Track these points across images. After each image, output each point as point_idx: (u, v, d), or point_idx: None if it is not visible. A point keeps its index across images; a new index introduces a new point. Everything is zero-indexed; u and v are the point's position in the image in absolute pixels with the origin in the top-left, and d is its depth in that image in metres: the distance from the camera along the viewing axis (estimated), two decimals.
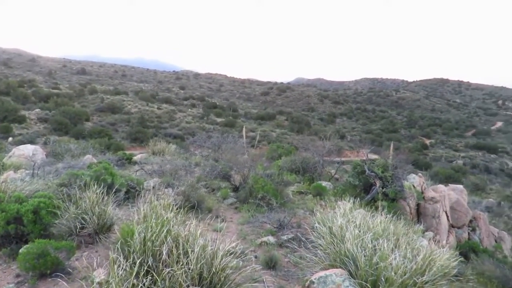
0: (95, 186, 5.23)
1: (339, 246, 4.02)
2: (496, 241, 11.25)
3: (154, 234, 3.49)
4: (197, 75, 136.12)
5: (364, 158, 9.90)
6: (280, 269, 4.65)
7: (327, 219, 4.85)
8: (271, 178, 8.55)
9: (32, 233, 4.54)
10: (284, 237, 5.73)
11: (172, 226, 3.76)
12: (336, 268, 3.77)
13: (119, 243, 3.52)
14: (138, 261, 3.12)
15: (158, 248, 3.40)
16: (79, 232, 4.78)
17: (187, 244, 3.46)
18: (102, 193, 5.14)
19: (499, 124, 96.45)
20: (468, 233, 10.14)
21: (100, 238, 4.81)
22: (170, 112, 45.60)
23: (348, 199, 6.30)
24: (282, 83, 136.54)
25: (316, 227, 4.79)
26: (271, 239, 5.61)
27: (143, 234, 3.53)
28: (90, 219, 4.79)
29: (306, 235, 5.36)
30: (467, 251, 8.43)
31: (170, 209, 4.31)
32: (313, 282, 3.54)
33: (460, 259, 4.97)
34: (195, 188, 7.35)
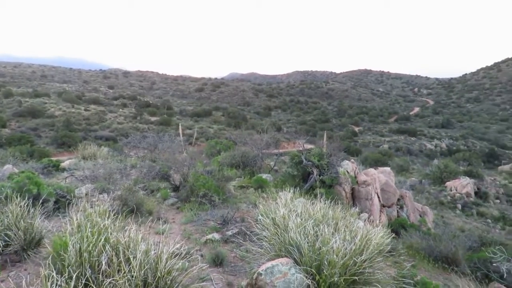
0: (18, 198, 4.75)
1: (283, 235, 4.11)
2: (420, 215, 12.38)
3: (91, 244, 3.27)
4: (126, 73, 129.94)
5: (301, 149, 10.26)
6: (227, 265, 4.65)
7: (270, 211, 4.93)
8: (211, 175, 8.49)
9: None
10: (229, 233, 5.73)
11: (110, 234, 3.55)
12: (282, 257, 3.85)
13: (50, 257, 3.24)
14: (74, 275, 2.90)
15: (96, 259, 3.19)
16: (3, 250, 4.31)
17: (128, 250, 3.29)
18: (27, 205, 4.68)
19: (416, 109, 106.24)
20: (397, 211, 11.02)
21: (28, 255, 4.39)
22: (100, 113, 43.01)
23: (288, 189, 6.48)
24: (216, 78, 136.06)
25: (260, 219, 4.85)
26: (216, 236, 5.58)
27: (78, 245, 3.28)
28: (15, 235, 4.33)
29: (251, 228, 5.40)
30: (398, 227, 9.16)
31: (107, 215, 4.05)
32: (261, 274, 3.58)
33: (392, 235, 5.37)
34: (132, 191, 7.02)
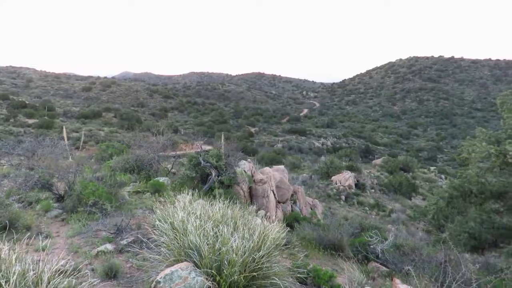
0: None
1: (182, 239, 4.02)
2: (311, 208, 13.44)
3: None
4: None
5: (199, 150, 10.20)
6: (122, 277, 4.34)
7: (168, 215, 4.77)
8: (102, 181, 7.85)
9: None
10: (124, 242, 5.37)
11: None
12: (182, 262, 3.76)
13: None
14: None
15: None
16: None
17: None
18: None
19: (305, 111, 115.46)
20: (291, 205, 11.76)
21: None
22: None
23: (187, 191, 6.36)
24: (106, 77, 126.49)
25: (157, 224, 4.65)
26: (108, 246, 5.17)
27: None
28: None
29: (148, 235, 5.15)
30: (292, 221, 9.78)
31: None
32: (159, 282, 3.44)
33: (287, 229, 5.70)
34: (4, 205, 6.07)
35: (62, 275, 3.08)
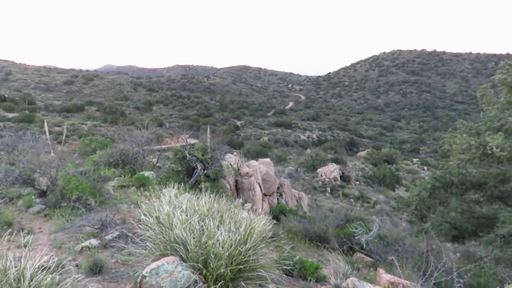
0: None
1: (168, 234, 4.00)
2: (297, 201, 13.53)
3: None
4: None
5: (184, 144, 10.13)
6: (107, 272, 4.30)
7: (154, 209, 4.74)
8: (86, 176, 7.72)
9: None
10: (109, 237, 5.31)
11: None
12: (168, 256, 3.74)
13: None
14: None
15: None
16: None
17: None
18: None
19: (291, 104, 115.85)
20: (277, 198, 11.81)
21: None
22: None
23: (172, 185, 6.33)
24: (88, 70, 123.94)
25: (143, 219, 4.62)
26: (93, 242, 5.10)
27: None
28: None
29: (133, 230, 5.10)
30: (278, 214, 9.83)
31: None
32: (145, 276, 3.42)
33: (274, 222, 5.73)
34: None
35: (45, 271, 3.03)
